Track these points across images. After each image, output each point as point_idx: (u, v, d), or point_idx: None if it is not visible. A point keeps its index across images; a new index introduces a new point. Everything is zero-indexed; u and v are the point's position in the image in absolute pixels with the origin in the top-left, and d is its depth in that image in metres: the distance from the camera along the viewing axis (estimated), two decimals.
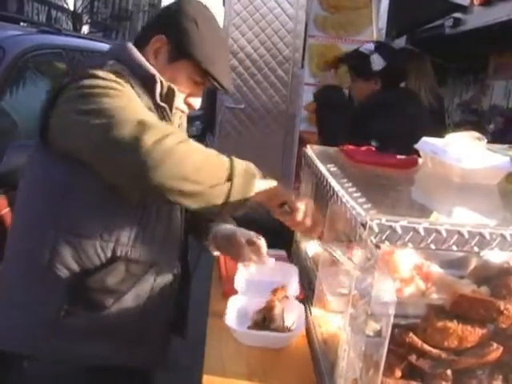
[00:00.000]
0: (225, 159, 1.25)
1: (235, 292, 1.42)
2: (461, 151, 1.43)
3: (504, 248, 1.04)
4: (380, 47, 2.68)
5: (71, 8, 21.64)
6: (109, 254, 1.34)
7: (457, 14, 8.58)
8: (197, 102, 1.51)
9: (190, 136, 1.61)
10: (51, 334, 1.34)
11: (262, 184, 1.28)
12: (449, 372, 1.13)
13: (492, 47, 9.41)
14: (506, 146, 1.70)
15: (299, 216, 1.29)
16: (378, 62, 2.58)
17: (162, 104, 1.39)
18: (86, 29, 22.19)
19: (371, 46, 2.68)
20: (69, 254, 1.31)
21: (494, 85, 10.39)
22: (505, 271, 1.48)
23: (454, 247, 1.02)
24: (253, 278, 1.55)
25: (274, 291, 1.41)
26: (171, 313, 1.52)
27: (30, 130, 2.66)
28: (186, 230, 1.54)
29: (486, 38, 8.46)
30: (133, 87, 1.33)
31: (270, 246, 1.76)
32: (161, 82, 1.38)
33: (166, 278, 1.44)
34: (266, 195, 1.30)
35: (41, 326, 1.34)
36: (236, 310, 1.37)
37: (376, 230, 0.96)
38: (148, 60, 1.41)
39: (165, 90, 1.39)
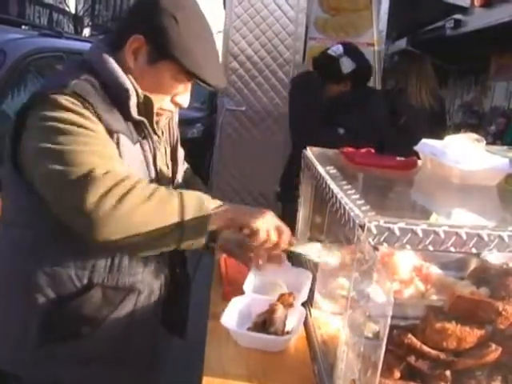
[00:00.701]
0: (174, 202, 1.20)
1: (235, 294, 1.42)
2: (460, 153, 1.44)
3: (502, 249, 1.04)
4: (348, 50, 2.75)
5: (72, 11, 21.67)
6: (85, 282, 1.31)
7: (457, 16, 8.58)
8: (185, 100, 1.42)
9: (190, 139, 1.62)
10: (31, 358, 1.33)
11: (218, 213, 1.25)
12: (448, 373, 1.13)
13: (493, 48, 9.40)
14: (505, 147, 1.71)
15: (261, 236, 1.28)
16: (347, 65, 2.67)
17: (139, 118, 1.33)
18: (87, 31, 22.20)
19: (339, 49, 2.74)
20: (44, 282, 1.30)
21: (495, 86, 10.38)
22: (504, 272, 1.49)
23: (452, 248, 1.02)
24: (263, 281, 1.54)
25: (280, 297, 1.41)
26: (157, 330, 1.48)
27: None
28: None
29: (487, 39, 8.46)
30: (96, 111, 1.24)
31: None
32: (136, 93, 1.32)
33: (149, 300, 1.41)
34: (223, 223, 1.27)
35: (21, 350, 1.33)
36: (238, 311, 1.37)
37: (374, 231, 0.97)
38: (126, 63, 1.32)
39: (141, 99, 1.33)
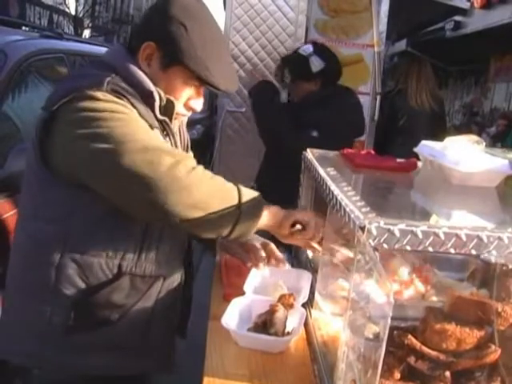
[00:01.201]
0: (233, 188, 1.27)
1: (235, 295, 1.42)
2: (459, 154, 1.44)
3: (501, 251, 1.05)
4: (318, 49, 2.77)
5: (73, 12, 21.71)
6: (115, 271, 1.34)
7: (457, 17, 8.60)
8: (198, 105, 1.47)
9: (190, 140, 1.63)
10: (56, 350, 1.34)
11: (269, 214, 1.33)
12: (447, 374, 1.13)
13: (493, 50, 9.42)
14: (505, 148, 1.72)
15: (312, 231, 1.35)
16: (317, 64, 2.69)
17: (162, 118, 1.38)
18: (87, 33, 22.24)
19: (309, 49, 2.77)
20: (75, 272, 1.31)
21: (494, 87, 10.40)
22: (504, 274, 1.49)
23: (452, 250, 1.02)
24: (263, 281, 1.55)
25: (281, 298, 1.42)
26: (176, 319, 1.53)
27: (32, 134, 2.68)
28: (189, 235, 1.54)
29: (487, 41, 8.48)
30: (134, 106, 1.30)
31: None
32: (159, 95, 1.36)
33: (171, 289, 1.45)
34: (274, 220, 1.35)
35: (45, 344, 1.34)
36: (238, 312, 1.38)
37: (374, 233, 0.97)
38: (141, 68, 1.37)
39: (164, 102, 1.37)
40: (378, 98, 4.05)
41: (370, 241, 0.97)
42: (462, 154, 1.45)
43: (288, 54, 3.04)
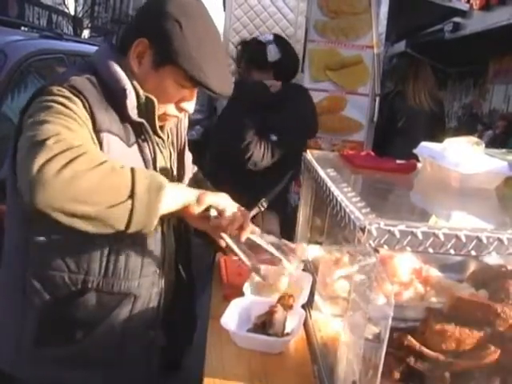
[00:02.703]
0: (126, 174, 1.12)
1: (235, 296, 1.43)
2: (459, 156, 1.45)
3: (501, 252, 1.05)
4: (277, 39, 2.74)
5: (72, 12, 21.71)
6: (79, 286, 1.29)
7: (456, 19, 8.60)
8: (190, 106, 1.41)
9: (189, 141, 1.61)
10: (28, 359, 1.33)
11: (175, 194, 1.22)
12: (447, 374, 1.14)
13: (492, 51, 9.43)
14: (504, 150, 1.72)
15: (225, 221, 1.27)
16: (273, 53, 2.64)
17: (138, 120, 1.31)
18: (86, 33, 22.24)
19: (269, 37, 2.73)
20: (39, 285, 1.29)
21: (493, 89, 10.41)
22: (503, 275, 1.50)
23: (452, 251, 1.03)
24: (263, 283, 1.55)
25: (280, 299, 1.42)
26: (158, 333, 1.44)
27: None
28: (187, 240, 1.51)
29: (486, 43, 8.49)
30: (89, 103, 1.23)
31: None
32: (137, 94, 1.30)
33: (146, 304, 1.38)
34: (182, 200, 1.23)
35: (19, 351, 1.34)
36: (238, 313, 1.38)
37: (375, 234, 0.98)
38: (131, 67, 1.32)
39: (142, 101, 1.31)
40: (378, 99, 4.06)
41: (371, 241, 0.97)
42: (462, 156, 1.45)
43: (247, 39, 2.95)
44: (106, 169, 1.10)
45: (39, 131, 1.11)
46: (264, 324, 1.31)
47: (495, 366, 1.16)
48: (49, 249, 1.28)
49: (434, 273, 1.69)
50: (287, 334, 1.32)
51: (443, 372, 1.14)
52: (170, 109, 1.39)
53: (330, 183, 1.30)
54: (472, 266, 1.72)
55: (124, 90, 1.28)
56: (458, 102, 10.36)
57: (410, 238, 0.99)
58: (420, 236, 1.00)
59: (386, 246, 0.99)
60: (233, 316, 1.35)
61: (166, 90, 1.34)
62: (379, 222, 0.98)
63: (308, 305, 1.44)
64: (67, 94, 1.22)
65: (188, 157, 1.58)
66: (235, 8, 4.14)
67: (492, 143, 7.42)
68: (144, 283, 1.36)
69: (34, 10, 18.69)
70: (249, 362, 1.27)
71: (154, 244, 1.37)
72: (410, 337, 1.12)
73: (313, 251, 1.65)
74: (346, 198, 1.15)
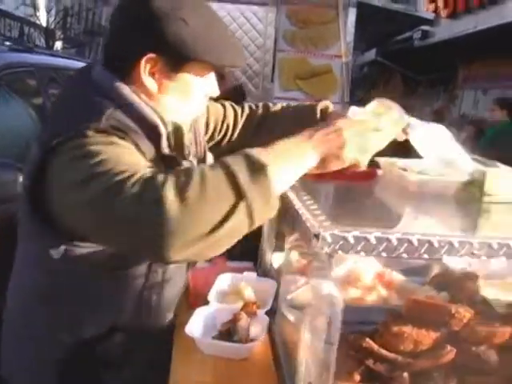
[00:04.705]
0: (220, 176, 0.95)
1: (201, 305, 1.45)
2: (418, 162, 1.49)
3: (452, 255, 1.09)
4: None
5: (44, 24, 21.56)
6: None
7: (425, 27, 8.81)
8: (215, 90, 1.29)
9: None
10: None
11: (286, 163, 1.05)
12: (405, 375, 1.17)
13: (460, 58, 9.65)
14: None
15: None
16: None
17: (170, 154, 1.20)
18: (59, 45, 22.09)
19: None
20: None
21: (463, 95, 10.64)
22: (463, 277, 1.55)
23: (405, 255, 1.06)
24: (228, 290, 1.58)
25: (244, 306, 1.44)
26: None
27: (1, 148, 2.67)
28: None
29: (454, 50, 8.68)
30: (136, 144, 1.12)
31: (238, 258, 1.80)
32: (165, 125, 1.18)
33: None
34: (301, 171, 1.08)
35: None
36: (203, 321, 1.40)
37: (329, 240, 1.00)
38: (146, 89, 1.18)
39: (170, 130, 1.19)
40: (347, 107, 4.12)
41: (325, 248, 1.00)
42: (420, 162, 1.49)
43: None
44: (205, 182, 0.93)
45: (113, 180, 0.95)
46: (229, 331, 1.34)
47: (452, 365, 1.20)
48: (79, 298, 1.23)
49: (397, 277, 1.74)
50: (252, 340, 1.35)
51: (402, 372, 1.17)
52: (200, 105, 1.29)
53: (289, 192, 1.33)
54: (435, 270, 1.77)
55: (155, 127, 1.17)
56: (428, 108, 10.55)
57: (363, 243, 1.02)
58: (373, 241, 1.03)
59: (340, 252, 1.01)
60: (198, 324, 1.38)
61: (191, 90, 1.22)
62: (333, 229, 1.01)
63: (272, 311, 1.47)
64: (113, 139, 1.08)
65: (209, 159, 1.46)
66: None
67: (462, 146, 7.54)
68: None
69: (5, 21, 18.54)
70: (214, 369, 1.29)
71: (180, 275, 1.37)
72: (368, 339, 1.16)
73: (278, 258, 1.68)
74: (304, 206, 1.18)
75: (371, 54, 9.20)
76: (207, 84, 1.26)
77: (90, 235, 1.07)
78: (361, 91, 4.87)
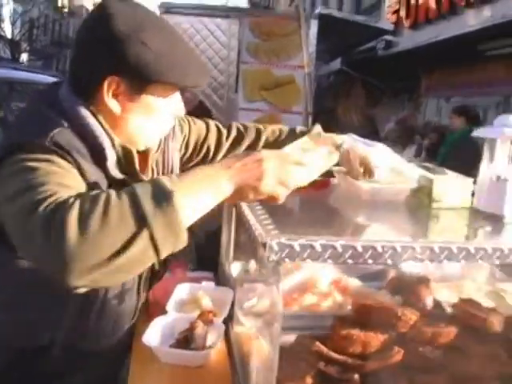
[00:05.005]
0: (125, 203, 0.93)
1: (159, 314, 1.47)
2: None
3: (395, 260, 1.14)
4: None
5: (9, 36, 21.30)
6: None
7: (388, 37, 8.99)
8: (181, 108, 1.29)
9: None
10: None
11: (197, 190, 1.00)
12: (356, 376, 1.22)
13: (422, 67, 9.88)
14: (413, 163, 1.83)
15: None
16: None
17: (120, 177, 1.19)
18: (25, 57, 21.85)
19: None
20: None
21: (426, 102, 10.88)
22: (416, 281, 1.61)
23: (350, 261, 1.11)
24: (187, 300, 1.61)
25: (200, 315, 1.47)
26: None
27: None
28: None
29: (417, 59, 8.88)
30: (79, 164, 1.11)
31: (197, 267, 1.84)
32: (113, 148, 1.18)
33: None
34: (215, 201, 1.03)
35: None
36: (161, 330, 1.43)
37: (276, 248, 1.05)
38: (110, 111, 1.18)
39: (122, 157, 1.20)
40: (310, 117, 4.20)
41: (272, 256, 1.04)
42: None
43: None
44: (108, 209, 0.92)
45: (33, 198, 0.96)
46: (186, 339, 1.36)
47: (401, 365, 1.25)
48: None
49: (354, 282, 1.79)
50: (208, 347, 1.38)
51: (353, 374, 1.22)
52: (165, 125, 1.29)
53: (243, 203, 1.37)
54: (391, 274, 1.83)
55: (102, 151, 1.16)
56: (394, 116, 10.75)
57: (309, 250, 1.06)
58: (319, 248, 1.07)
59: (287, 260, 1.06)
60: (156, 333, 1.40)
61: (155, 111, 1.22)
62: (280, 238, 1.06)
63: (229, 319, 1.50)
64: (52, 157, 1.07)
65: None
66: None
67: (427, 153, 7.73)
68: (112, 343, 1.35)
69: None
70: (171, 377, 1.32)
71: (130, 300, 1.34)
72: (317, 343, 1.20)
73: (236, 268, 1.72)
74: (255, 216, 1.22)
75: (337, 64, 9.32)
76: (171, 104, 1.25)
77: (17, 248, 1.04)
78: (327, 101, 4.94)
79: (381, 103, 8.32)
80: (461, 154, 4.29)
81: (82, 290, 0.95)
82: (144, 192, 0.93)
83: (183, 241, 0.95)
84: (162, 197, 0.93)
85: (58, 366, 1.29)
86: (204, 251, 1.97)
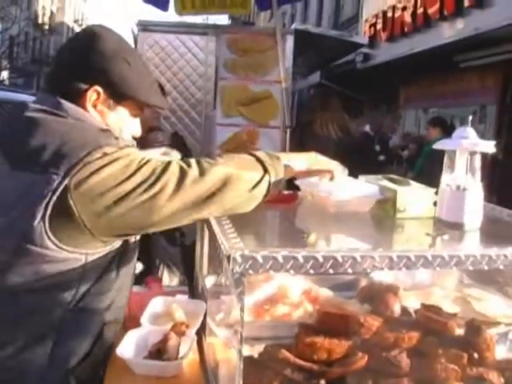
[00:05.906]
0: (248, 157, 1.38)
1: (134, 327, 1.52)
2: (331, 184, 1.60)
3: (355, 269, 1.19)
4: None
5: None
6: None
7: (366, 50, 9.14)
8: (138, 128, 1.50)
9: None
10: None
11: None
12: (322, 382, 1.27)
13: (399, 79, 10.05)
14: (380, 175, 1.90)
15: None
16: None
17: None
18: (5, 74, 21.75)
19: None
20: None
21: (405, 114, 11.04)
22: (384, 290, 1.67)
23: (311, 271, 1.16)
24: (161, 313, 1.65)
25: (173, 326, 1.52)
26: None
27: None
28: None
29: (394, 71, 9.04)
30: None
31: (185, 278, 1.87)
32: None
33: None
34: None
35: None
36: (135, 342, 1.47)
37: (239, 260, 1.10)
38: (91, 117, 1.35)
39: None
40: (288, 131, 4.26)
41: (236, 268, 1.09)
42: (334, 184, 1.60)
43: None
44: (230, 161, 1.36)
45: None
46: (159, 351, 1.41)
47: (366, 370, 1.30)
48: None
49: (325, 292, 1.84)
50: (180, 358, 1.42)
51: (319, 380, 1.27)
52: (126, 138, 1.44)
53: (211, 217, 1.42)
54: (362, 283, 1.89)
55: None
56: (374, 127, 10.88)
57: (271, 262, 1.12)
58: (281, 260, 1.13)
59: (251, 271, 1.11)
60: (130, 345, 1.44)
61: (124, 124, 1.43)
62: (243, 250, 1.11)
63: (202, 330, 1.55)
64: (126, 151, 1.28)
65: None
66: (146, 49, 4.27)
67: (406, 163, 7.84)
68: None
69: None
70: None
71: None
72: (283, 350, 1.25)
73: (210, 281, 1.77)
74: (221, 230, 1.27)
75: (316, 77, 9.45)
76: (134, 123, 1.46)
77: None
78: (306, 114, 5.01)
79: (360, 115, 8.43)
80: (434, 165, 4.36)
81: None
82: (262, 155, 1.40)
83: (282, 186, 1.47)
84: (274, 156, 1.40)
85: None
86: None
